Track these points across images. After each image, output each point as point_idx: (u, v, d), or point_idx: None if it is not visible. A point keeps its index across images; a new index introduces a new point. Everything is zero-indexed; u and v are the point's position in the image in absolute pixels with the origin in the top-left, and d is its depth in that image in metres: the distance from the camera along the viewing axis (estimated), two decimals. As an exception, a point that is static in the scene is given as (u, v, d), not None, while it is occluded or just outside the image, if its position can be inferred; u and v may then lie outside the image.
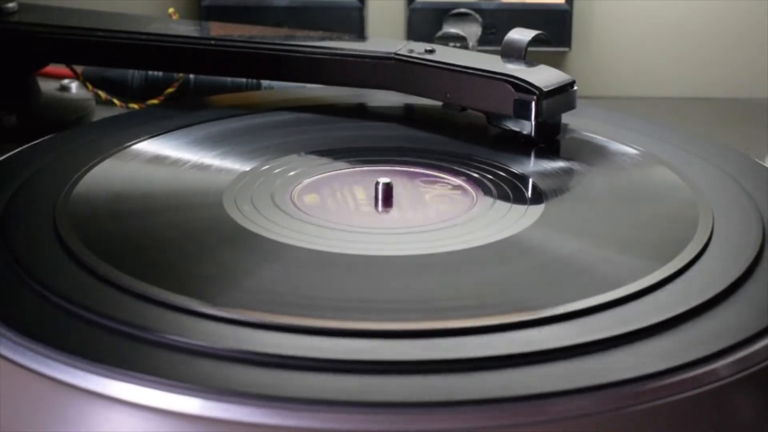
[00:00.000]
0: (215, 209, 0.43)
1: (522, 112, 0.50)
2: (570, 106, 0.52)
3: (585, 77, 0.80)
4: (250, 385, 0.31)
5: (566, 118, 0.52)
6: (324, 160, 0.49)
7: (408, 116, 0.57)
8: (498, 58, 0.53)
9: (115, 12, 0.63)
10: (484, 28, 0.78)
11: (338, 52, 0.56)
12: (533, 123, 0.50)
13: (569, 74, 0.52)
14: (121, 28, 0.59)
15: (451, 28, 0.77)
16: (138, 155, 0.49)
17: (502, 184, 0.47)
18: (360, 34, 0.77)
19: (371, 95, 0.58)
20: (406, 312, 0.35)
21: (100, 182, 0.46)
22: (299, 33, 0.61)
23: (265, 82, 0.68)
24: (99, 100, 0.68)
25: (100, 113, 0.66)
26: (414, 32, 0.79)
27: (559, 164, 0.49)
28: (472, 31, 0.77)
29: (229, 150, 0.50)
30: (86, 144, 0.50)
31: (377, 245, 0.41)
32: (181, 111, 0.56)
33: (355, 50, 0.56)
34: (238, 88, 0.68)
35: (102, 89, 0.67)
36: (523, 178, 0.47)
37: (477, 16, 0.78)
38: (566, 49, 0.79)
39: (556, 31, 0.78)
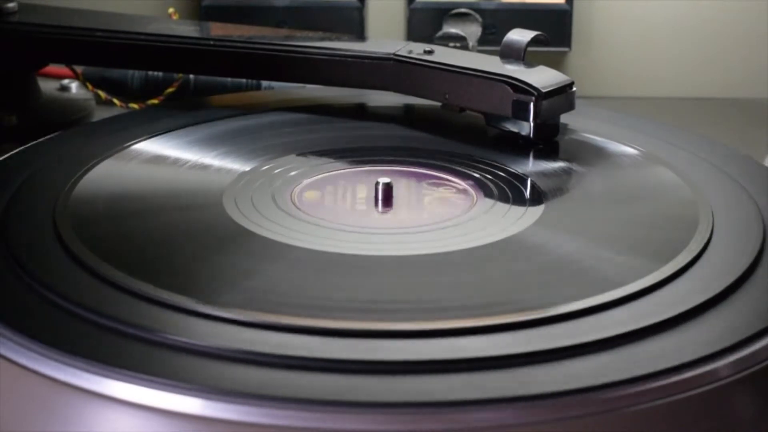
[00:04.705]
0: (215, 209, 0.43)
1: (520, 113, 0.50)
2: (569, 107, 0.52)
3: (585, 77, 0.80)
4: (250, 385, 0.31)
5: (566, 118, 0.52)
6: (324, 160, 0.49)
7: (407, 117, 0.57)
8: (497, 58, 0.53)
9: (115, 12, 0.63)
10: (484, 28, 0.78)
11: (337, 52, 0.56)
12: (532, 124, 0.50)
13: (569, 74, 0.52)
14: (121, 28, 0.59)
15: (451, 28, 0.77)
16: (138, 155, 0.49)
17: (502, 185, 0.47)
18: (360, 35, 0.77)
19: (371, 95, 0.58)
20: (405, 312, 0.35)
21: (100, 182, 0.46)
22: (299, 33, 0.61)
23: (265, 83, 0.68)
24: (99, 100, 0.68)
25: (100, 113, 0.66)
26: (414, 32, 0.79)
27: (559, 164, 0.49)
28: (472, 31, 0.77)
29: (229, 150, 0.50)
30: (86, 144, 0.50)
31: (377, 245, 0.41)
32: (181, 111, 0.56)
33: (355, 51, 0.56)
34: (238, 88, 0.68)
35: (102, 89, 0.67)
36: (522, 179, 0.47)
37: (477, 16, 0.78)
38: (566, 49, 0.79)
39: (556, 31, 0.78)
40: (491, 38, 0.77)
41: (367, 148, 0.51)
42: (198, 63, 0.59)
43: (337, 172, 0.48)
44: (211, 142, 0.51)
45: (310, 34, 0.60)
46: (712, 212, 0.43)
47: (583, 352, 0.33)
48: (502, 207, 0.44)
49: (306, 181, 0.47)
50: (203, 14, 0.78)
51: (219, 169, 0.48)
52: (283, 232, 0.41)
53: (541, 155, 0.50)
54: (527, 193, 0.46)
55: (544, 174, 0.48)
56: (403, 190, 0.46)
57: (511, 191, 0.46)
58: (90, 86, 0.67)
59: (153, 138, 0.51)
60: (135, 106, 0.66)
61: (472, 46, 0.76)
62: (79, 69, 0.67)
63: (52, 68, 0.70)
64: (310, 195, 0.45)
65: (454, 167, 0.48)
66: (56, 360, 0.32)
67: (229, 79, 0.68)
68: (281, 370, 0.32)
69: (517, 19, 0.77)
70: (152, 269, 0.38)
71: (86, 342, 0.33)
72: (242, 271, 0.38)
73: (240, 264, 0.39)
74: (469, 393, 0.31)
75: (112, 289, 0.36)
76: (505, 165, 0.49)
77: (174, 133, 0.52)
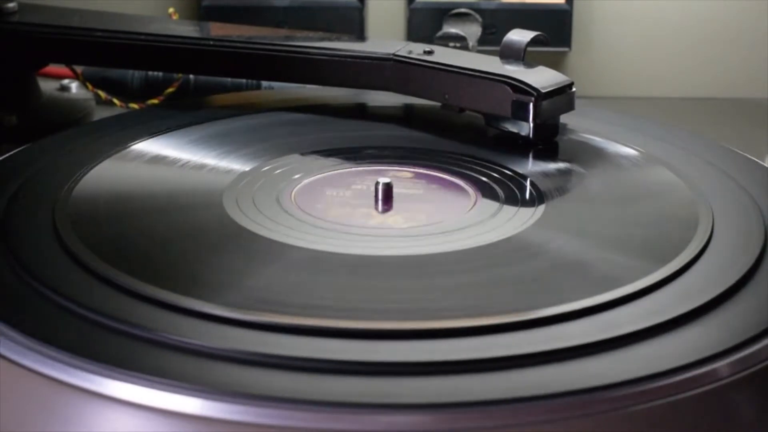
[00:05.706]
0: (215, 209, 0.43)
1: (520, 114, 0.50)
2: (568, 107, 0.52)
3: (585, 77, 0.80)
4: (250, 385, 0.31)
5: (565, 118, 0.52)
6: (324, 160, 0.49)
7: (407, 117, 0.57)
8: (497, 59, 0.53)
9: (115, 12, 0.63)
10: (484, 28, 0.78)
11: (337, 52, 0.56)
12: (531, 124, 0.50)
13: (569, 74, 0.52)
14: (121, 28, 0.59)
15: (451, 28, 0.77)
16: (138, 155, 0.49)
17: (502, 185, 0.47)
18: (360, 35, 0.78)
19: (370, 96, 0.58)
20: (405, 312, 0.35)
21: (100, 182, 0.46)
22: (298, 34, 0.61)
23: (265, 83, 0.68)
24: (99, 100, 0.68)
25: (100, 113, 0.66)
26: (414, 32, 0.79)
27: (559, 165, 0.49)
28: (472, 31, 0.77)
29: (229, 150, 0.50)
30: (86, 144, 0.50)
31: (377, 245, 0.41)
32: (181, 111, 0.56)
33: (354, 51, 0.56)
34: (238, 88, 0.68)
35: (102, 89, 0.67)
36: (522, 179, 0.47)
37: (477, 16, 0.78)
38: (566, 49, 0.79)
39: (556, 31, 0.78)
40: (491, 38, 0.77)
41: (366, 148, 0.51)
42: (198, 63, 0.59)
43: (336, 172, 0.48)
44: (211, 142, 0.51)
45: (310, 34, 0.60)
46: (712, 212, 0.43)
47: (584, 353, 0.33)
48: (501, 207, 0.44)
49: (306, 181, 0.47)
50: (203, 14, 0.78)
51: (219, 169, 0.48)
52: (284, 232, 0.41)
53: (541, 155, 0.50)
54: (527, 194, 0.46)
55: (544, 174, 0.48)
56: (403, 189, 0.46)
57: (511, 191, 0.46)
58: (90, 86, 0.67)
59: (153, 138, 0.51)
60: (135, 106, 0.66)
61: (472, 46, 0.76)
62: (79, 69, 0.67)
63: (52, 68, 0.70)
64: (320, 204, 0.46)
65: (453, 167, 0.48)
66: (56, 360, 0.32)
67: (229, 79, 0.68)
68: (281, 370, 0.32)
69: (517, 19, 0.77)
70: (152, 269, 0.38)
71: (86, 342, 0.33)
72: (242, 271, 0.38)
73: (240, 264, 0.39)
74: (468, 394, 0.31)
75: (112, 289, 0.36)
76: (505, 165, 0.49)
77: (174, 133, 0.52)
